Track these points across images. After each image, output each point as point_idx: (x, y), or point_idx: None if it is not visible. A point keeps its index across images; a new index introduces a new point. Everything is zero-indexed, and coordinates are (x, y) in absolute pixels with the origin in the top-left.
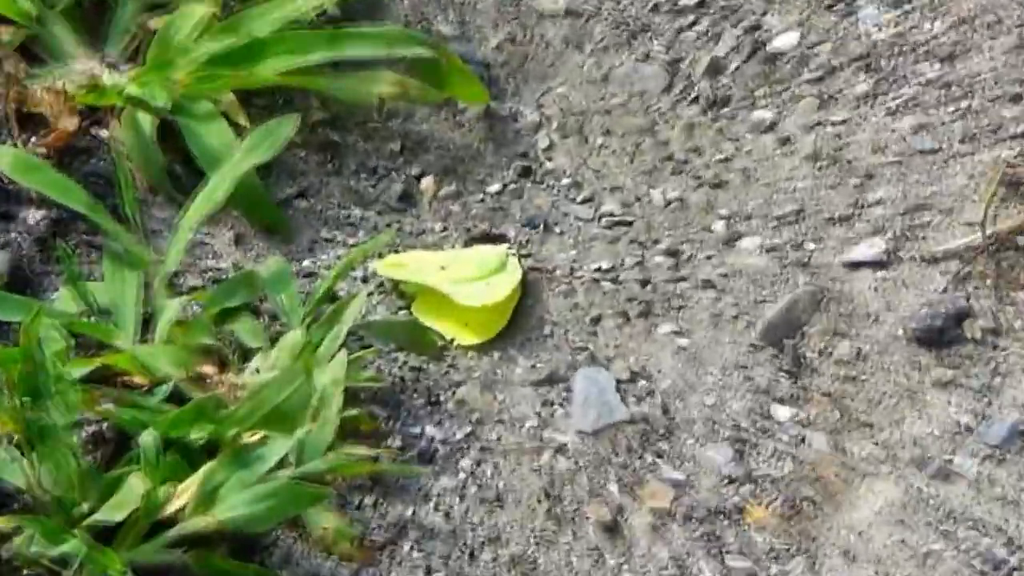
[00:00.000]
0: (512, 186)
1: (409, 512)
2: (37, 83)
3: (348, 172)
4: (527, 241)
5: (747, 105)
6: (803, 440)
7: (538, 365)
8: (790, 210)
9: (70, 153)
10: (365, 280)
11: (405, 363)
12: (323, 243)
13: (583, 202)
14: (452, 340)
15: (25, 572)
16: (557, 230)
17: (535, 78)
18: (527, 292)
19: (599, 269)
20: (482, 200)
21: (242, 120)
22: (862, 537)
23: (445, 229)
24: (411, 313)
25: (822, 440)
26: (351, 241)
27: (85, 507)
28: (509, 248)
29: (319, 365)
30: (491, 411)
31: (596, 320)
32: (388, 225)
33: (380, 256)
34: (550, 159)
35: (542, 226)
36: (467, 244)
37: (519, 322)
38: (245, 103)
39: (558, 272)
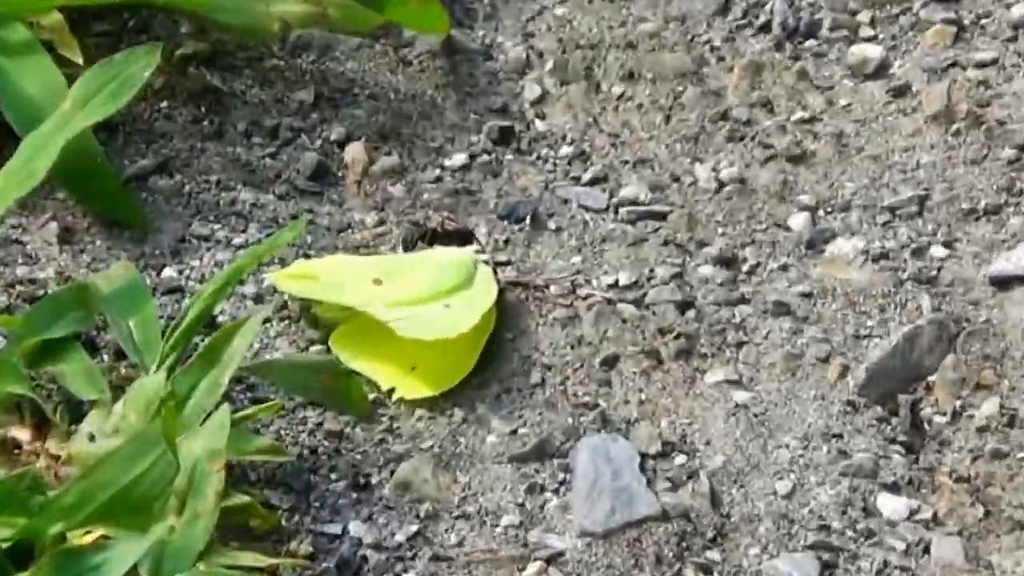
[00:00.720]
0: (484, 158)
1: None
2: None
3: (234, 135)
4: (506, 242)
5: (843, 36)
6: (926, 548)
7: (521, 431)
8: (908, 197)
9: None
10: (259, 299)
11: (319, 426)
12: (195, 242)
13: (592, 183)
14: (391, 392)
15: None
16: (552, 225)
17: None
18: (506, 319)
19: (616, 285)
20: (439, 179)
21: (74, 55)
22: None
23: (382, 222)
24: (329, 350)
25: (955, 548)
26: (237, 239)
27: None
28: (479, 252)
29: (187, 428)
30: (449, 500)
31: (611, 362)
32: (295, 216)
33: (282, 263)
34: (542, 117)
35: (529, 219)
36: (415, 246)
37: (493, 365)
38: (79, 29)
39: (553, 289)
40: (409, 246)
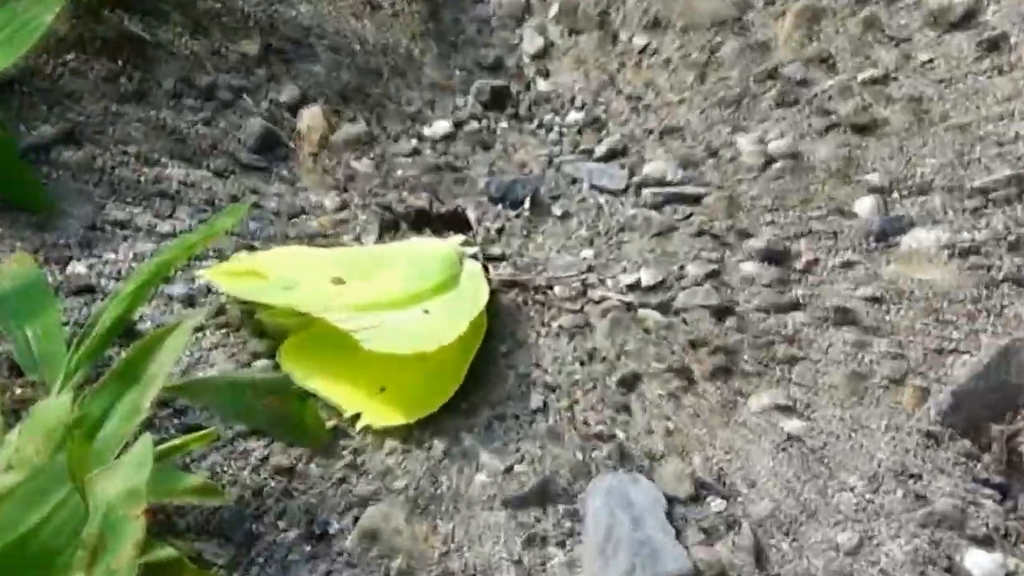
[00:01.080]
0: (473, 125)
1: None
2: None
3: (160, 96)
4: (500, 231)
5: None
6: None
7: (518, 468)
8: (1003, 176)
9: None
10: (190, 301)
11: (265, 460)
12: (110, 229)
13: (608, 157)
14: (355, 418)
15: None
16: (557, 210)
17: None
18: (499, 328)
19: (637, 286)
20: (416, 152)
21: None
22: None
23: (345, 206)
24: (277, 366)
25: None
26: (163, 226)
27: None
28: (466, 244)
29: (100, 462)
30: (427, 555)
31: (630, 383)
32: (236, 197)
33: (220, 256)
34: (545, 74)
35: (528, 202)
36: (387, 235)
37: (483, 385)
38: None
39: (558, 290)
40: (378, 236)
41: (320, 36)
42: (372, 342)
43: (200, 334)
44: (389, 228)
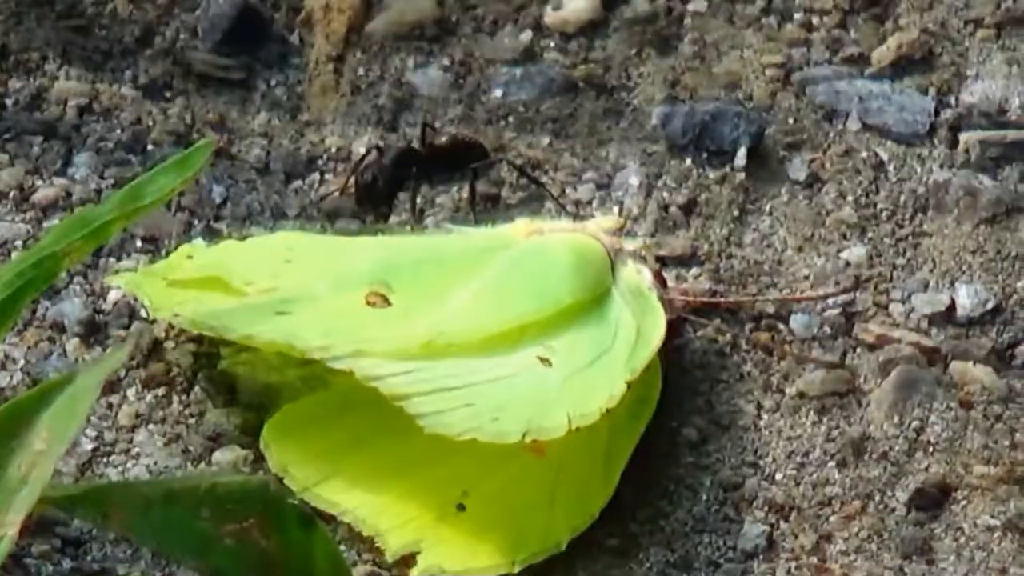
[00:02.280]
0: (640, 6)
1: None
2: None
3: None
4: (688, 208)
5: None
6: None
7: None
8: None
9: None
10: (96, 333)
11: None
12: None
13: (896, 71)
14: (406, 561)
15: None
16: (797, 170)
17: None
18: (684, 393)
19: (948, 317)
20: (529, 54)
21: None
22: None
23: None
24: (257, 459)
25: None
26: (47, 191)
27: None
28: (619, 233)
29: None
30: None
31: (933, 503)
32: (185, 137)
33: (153, 249)
34: None
35: (743, 154)
36: (471, 212)
37: (651, 502)
38: None
39: (796, 325)
40: (453, 212)
41: None
42: (442, 420)
43: (114, 397)
44: (480, 201)
